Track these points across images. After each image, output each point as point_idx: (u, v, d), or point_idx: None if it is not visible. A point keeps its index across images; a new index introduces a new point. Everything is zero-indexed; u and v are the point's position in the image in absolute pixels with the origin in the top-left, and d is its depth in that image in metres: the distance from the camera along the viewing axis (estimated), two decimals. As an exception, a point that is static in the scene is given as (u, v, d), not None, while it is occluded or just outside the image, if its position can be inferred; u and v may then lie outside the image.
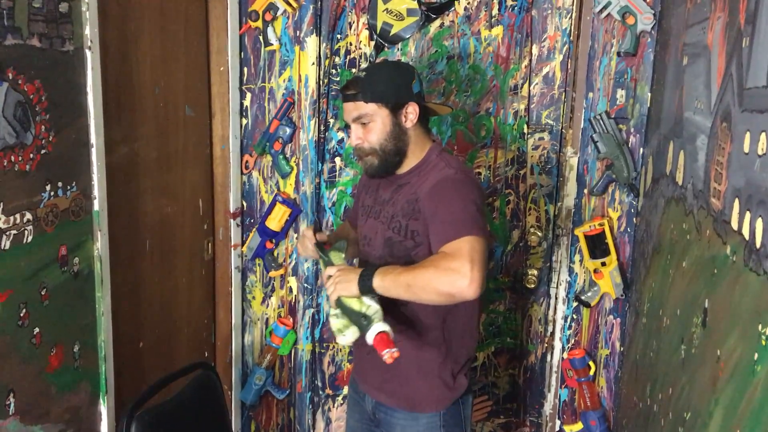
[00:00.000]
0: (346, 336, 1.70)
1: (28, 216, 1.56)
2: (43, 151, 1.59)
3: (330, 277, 1.75)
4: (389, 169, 1.85)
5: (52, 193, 1.63)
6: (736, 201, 1.42)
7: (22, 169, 1.53)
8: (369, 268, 1.70)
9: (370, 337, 1.63)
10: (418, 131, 1.85)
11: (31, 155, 1.56)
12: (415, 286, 1.61)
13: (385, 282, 1.65)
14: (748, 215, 1.35)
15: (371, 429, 1.98)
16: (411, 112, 1.82)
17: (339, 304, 1.71)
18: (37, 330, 1.62)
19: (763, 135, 1.30)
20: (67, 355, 1.74)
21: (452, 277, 1.56)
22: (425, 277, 1.60)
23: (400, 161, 1.84)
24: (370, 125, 1.80)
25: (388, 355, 1.59)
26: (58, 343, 1.70)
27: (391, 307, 1.74)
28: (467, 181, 1.77)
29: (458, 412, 1.89)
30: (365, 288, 1.67)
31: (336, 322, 1.72)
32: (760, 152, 1.31)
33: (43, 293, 1.63)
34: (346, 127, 2.59)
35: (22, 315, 1.57)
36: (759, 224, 1.29)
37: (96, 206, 1.80)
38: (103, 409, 1.88)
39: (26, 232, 1.56)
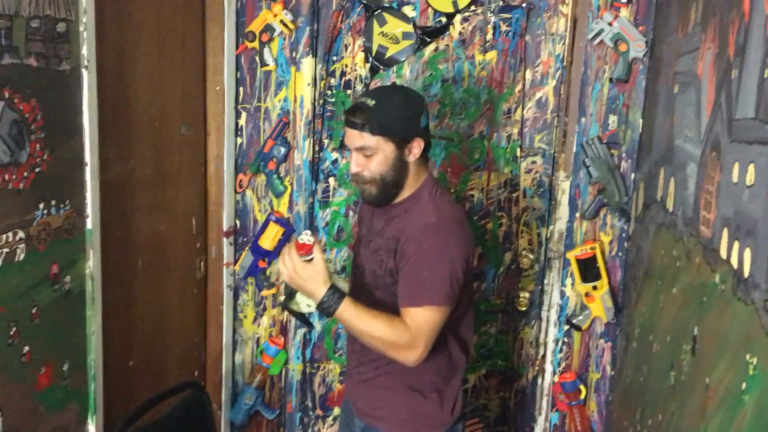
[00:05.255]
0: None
1: (21, 234, 1.56)
2: (37, 170, 1.60)
3: (289, 266, 1.71)
4: (388, 199, 1.83)
5: (45, 212, 1.64)
6: (725, 230, 1.43)
7: (15, 187, 1.53)
8: (336, 292, 1.70)
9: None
10: (418, 162, 1.82)
11: (25, 174, 1.56)
12: (368, 336, 1.71)
13: (345, 315, 1.70)
14: (736, 245, 1.36)
15: None
16: (416, 147, 1.78)
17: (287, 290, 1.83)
18: (26, 348, 1.61)
19: (752, 166, 1.31)
20: (56, 374, 1.73)
21: (403, 351, 1.69)
22: (379, 337, 1.70)
23: (397, 192, 1.82)
24: (372, 156, 1.76)
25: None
26: (47, 361, 1.69)
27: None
28: (448, 235, 1.75)
29: None
30: (324, 310, 1.71)
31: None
32: (748, 183, 1.32)
33: (33, 311, 1.63)
34: (341, 148, 2.60)
35: (12, 333, 1.56)
36: (747, 254, 1.30)
37: (89, 224, 1.80)
38: (92, 429, 1.87)
39: (18, 250, 1.56)
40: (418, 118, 1.78)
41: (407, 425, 1.87)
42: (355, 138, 1.76)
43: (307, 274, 1.70)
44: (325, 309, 1.70)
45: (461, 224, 1.81)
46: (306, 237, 1.71)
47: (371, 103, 1.74)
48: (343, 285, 1.81)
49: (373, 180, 1.79)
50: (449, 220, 1.78)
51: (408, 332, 1.68)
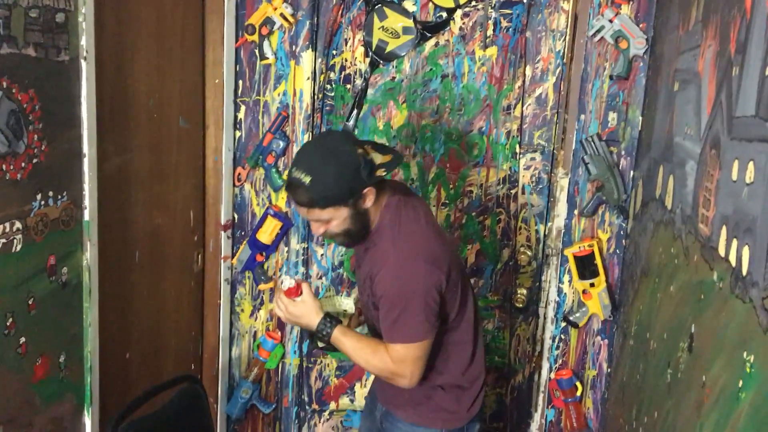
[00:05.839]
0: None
1: (18, 225, 1.55)
2: (35, 161, 1.59)
3: (282, 308, 1.83)
4: (361, 241, 1.83)
5: (42, 203, 1.63)
6: (724, 228, 1.43)
7: (13, 177, 1.53)
8: (329, 321, 1.80)
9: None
10: (376, 197, 1.77)
11: (23, 164, 1.56)
12: (361, 363, 1.83)
13: (338, 342, 1.81)
14: (735, 242, 1.36)
15: None
16: (368, 195, 1.74)
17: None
18: (23, 339, 1.61)
19: (751, 164, 1.31)
20: (52, 366, 1.72)
21: (391, 378, 1.79)
22: (367, 365, 1.83)
23: (367, 232, 1.80)
24: (330, 221, 1.75)
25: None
26: (43, 353, 1.69)
27: None
28: (410, 274, 1.72)
29: None
30: (322, 339, 1.81)
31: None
32: (748, 180, 1.32)
33: (30, 303, 1.62)
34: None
35: (8, 324, 1.56)
36: (745, 252, 1.30)
37: (86, 216, 1.79)
38: (88, 421, 1.86)
39: (15, 240, 1.55)
40: (358, 172, 1.70)
41: (424, 416, 1.91)
42: (305, 213, 1.76)
43: (299, 311, 1.82)
44: (322, 337, 1.81)
45: (425, 254, 1.75)
46: (288, 282, 1.80)
47: (307, 180, 1.68)
48: (347, 302, 1.95)
49: (339, 235, 1.80)
50: (408, 257, 1.74)
51: (398, 365, 1.76)
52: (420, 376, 1.78)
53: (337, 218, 1.73)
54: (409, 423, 1.92)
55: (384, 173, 1.75)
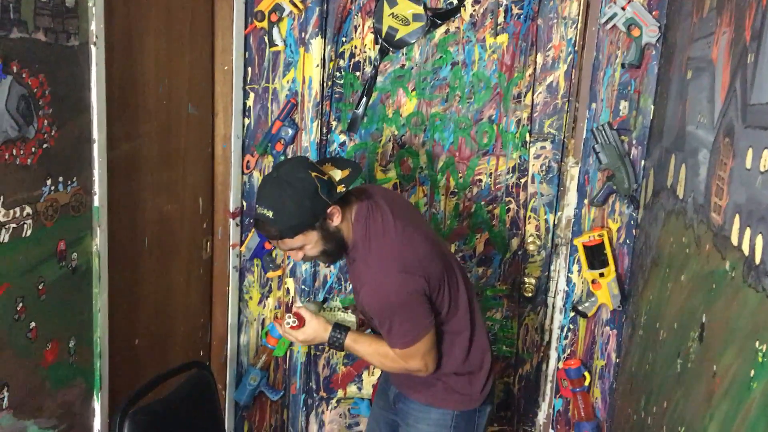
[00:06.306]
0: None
1: (28, 210, 1.56)
2: (45, 146, 1.59)
3: (293, 338, 1.90)
4: (342, 256, 1.90)
5: (52, 188, 1.63)
6: (737, 217, 1.42)
7: (23, 162, 1.53)
8: (339, 331, 1.86)
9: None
10: (344, 211, 1.81)
11: (33, 149, 1.56)
12: (376, 363, 1.91)
13: (351, 348, 1.89)
14: (748, 231, 1.35)
15: (389, 417, 2.09)
16: (334, 213, 1.78)
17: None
18: (33, 324, 1.61)
19: (766, 151, 1.30)
20: (62, 351, 1.73)
21: (413, 373, 1.86)
22: (382, 365, 1.89)
23: (344, 247, 1.85)
24: (303, 247, 1.81)
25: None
26: (53, 338, 1.69)
27: None
28: (389, 288, 1.74)
29: (472, 419, 1.97)
30: (336, 348, 1.89)
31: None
32: (762, 168, 1.31)
33: (40, 287, 1.63)
34: (349, 131, 2.59)
35: (18, 309, 1.56)
36: (759, 241, 1.29)
37: (96, 202, 1.79)
38: (97, 406, 1.88)
39: (25, 225, 1.56)
40: (317, 195, 1.73)
41: (438, 398, 1.94)
42: (278, 245, 1.83)
43: (310, 335, 1.88)
44: (336, 347, 1.88)
45: (397, 266, 1.76)
46: (291, 320, 1.87)
47: (269, 214, 1.74)
48: (346, 316, 1.98)
49: (317, 256, 1.85)
50: (381, 272, 1.76)
51: (411, 361, 1.82)
52: (435, 362, 1.85)
53: (309, 242, 1.79)
54: (425, 404, 1.95)
55: (344, 189, 1.80)
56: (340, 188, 1.79)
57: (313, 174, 1.75)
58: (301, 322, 1.87)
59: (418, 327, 1.78)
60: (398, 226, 1.83)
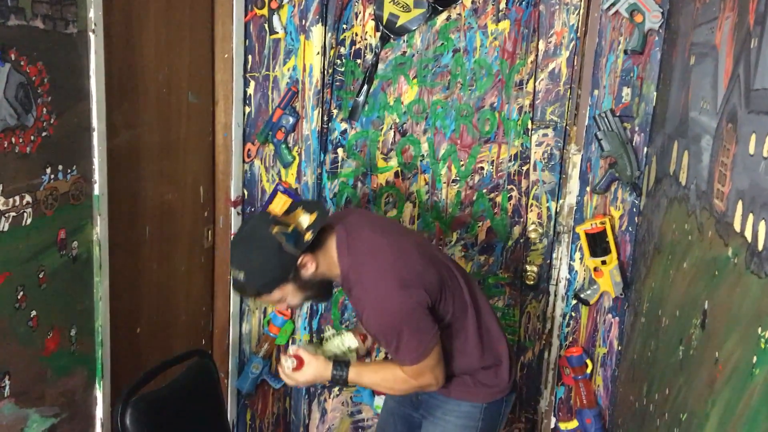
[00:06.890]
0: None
1: (28, 198, 1.56)
2: (44, 134, 1.59)
3: (295, 380, 1.88)
4: (330, 293, 1.91)
5: (52, 176, 1.63)
6: (740, 203, 1.41)
7: (22, 151, 1.52)
8: (341, 367, 1.84)
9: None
10: (319, 252, 1.77)
11: (32, 137, 1.55)
12: (389, 392, 1.96)
13: (355, 381, 1.89)
14: (751, 217, 1.34)
15: (407, 411, 2.06)
16: (307, 263, 1.74)
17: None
18: (34, 313, 1.61)
19: (769, 137, 1.29)
20: (63, 339, 1.73)
21: (424, 388, 1.85)
22: (398, 391, 1.91)
23: (329, 286, 1.87)
24: (285, 299, 1.79)
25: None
26: (55, 326, 1.70)
27: None
28: (388, 310, 1.73)
29: (499, 409, 1.97)
30: (340, 384, 1.93)
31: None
32: (765, 154, 1.30)
33: (41, 276, 1.63)
34: (350, 119, 2.58)
35: (19, 297, 1.56)
36: (762, 227, 1.28)
37: (96, 190, 1.79)
38: (99, 394, 1.88)
39: (25, 214, 1.55)
40: (282, 250, 1.70)
41: (468, 392, 1.93)
42: (260, 301, 1.85)
43: (310, 376, 1.87)
44: (340, 383, 1.89)
45: (394, 284, 1.73)
46: (291, 362, 1.85)
47: (241, 276, 1.73)
48: (349, 337, 1.96)
49: (303, 301, 1.85)
50: (379, 294, 1.74)
51: (420, 378, 1.81)
52: (444, 375, 1.83)
53: (288, 293, 1.78)
54: (455, 399, 1.93)
55: (312, 234, 1.73)
56: (308, 235, 1.73)
57: (275, 229, 1.71)
58: (301, 363, 1.85)
59: (425, 341, 1.75)
60: (385, 242, 1.80)
